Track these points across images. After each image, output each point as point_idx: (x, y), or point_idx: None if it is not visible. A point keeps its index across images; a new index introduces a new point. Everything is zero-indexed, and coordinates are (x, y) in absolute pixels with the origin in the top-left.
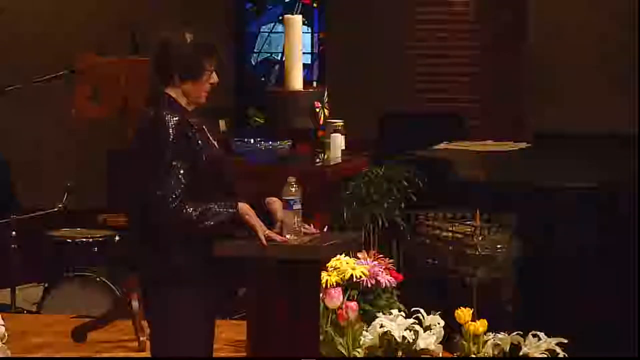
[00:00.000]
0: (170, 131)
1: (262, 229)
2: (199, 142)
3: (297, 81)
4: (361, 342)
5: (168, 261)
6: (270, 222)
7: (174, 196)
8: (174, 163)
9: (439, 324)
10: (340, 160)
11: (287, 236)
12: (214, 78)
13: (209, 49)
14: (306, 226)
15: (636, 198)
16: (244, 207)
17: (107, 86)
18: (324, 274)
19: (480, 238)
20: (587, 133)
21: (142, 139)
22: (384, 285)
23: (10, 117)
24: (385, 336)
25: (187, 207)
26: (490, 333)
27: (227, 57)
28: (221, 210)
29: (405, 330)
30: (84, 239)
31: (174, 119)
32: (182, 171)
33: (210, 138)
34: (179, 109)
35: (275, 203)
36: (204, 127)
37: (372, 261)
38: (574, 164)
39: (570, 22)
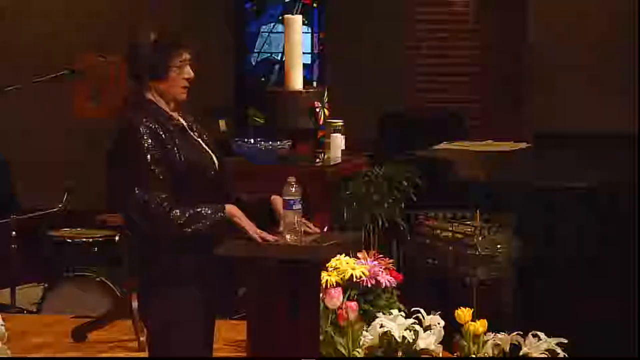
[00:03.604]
0: (144, 138)
1: (253, 229)
2: (176, 143)
3: (297, 81)
4: (361, 342)
5: (163, 263)
6: (273, 220)
7: (157, 201)
8: (152, 168)
9: (439, 324)
10: (340, 160)
11: (287, 236)
12: (188, 73)
13: (172, 45)
14: (310, 226)
15: (636, 198)
16: (231, 209)
17: (107, 86)
18: (324, 274)
19: (480, 238)
20: (587, 133)
21: (119, 147)
22: (384, 285)
23: (10, 117)
24: (385, 336)
25: (174, 211)
26: (490, 333)
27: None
28: (209, 213)
29: (405, 330)
30: (84, 239)
31: (147, 124)
32: (161, 177)
33: (195, 137)
34: (155, 111)
35: (278, 201)
36: (187, 125)
37: (372, 261)
38: (574, 164)
39: (570, 22)
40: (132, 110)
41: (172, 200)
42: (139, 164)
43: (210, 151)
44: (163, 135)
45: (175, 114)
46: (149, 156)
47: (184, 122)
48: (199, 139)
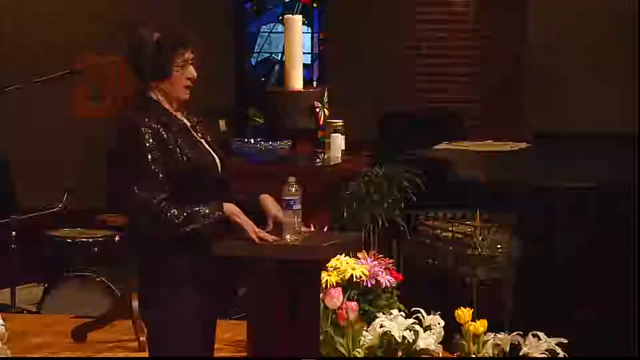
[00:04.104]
0: (146, 137)
1: (252, 228)
2: (179, 143)
3: (297, 81)
4: (361, 342)
5: (163, 263)
6: (263, 219)
7: (156, 201)
8: (152, 168)
9: (439, 324)
10: (340, 160)
11: (287, 236)
12: (190, 72)
13: (175, 45)
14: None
15: (636, 198)
16: (230, 207)
17: (107, 86)
18: (324, 274)
19: (480, 238)
20: (587, 133)
21: (120, 145)
22: (384, 285)
23: (10, 117)
24: (385, 336)
25: (171, 210)
26: (490, 333)
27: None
28: (208, 212)
29: (405, 330)
30: (84, 239)
31: (149, 123)
32: (161, 175)
33: (197, 136)
34: (158, 111)
35: (267, 200)
36: (190, 125)
37: (372, 261)
38: (574, 164)
39: (570, 22)
40: (134, 110)
41: (171, 200)
42: (140, 163)
43: (213, 152)
44: (165, 135)
45: (178, 114)
46: (149, 156)
47: (187, 122)
48: (202, 140)
